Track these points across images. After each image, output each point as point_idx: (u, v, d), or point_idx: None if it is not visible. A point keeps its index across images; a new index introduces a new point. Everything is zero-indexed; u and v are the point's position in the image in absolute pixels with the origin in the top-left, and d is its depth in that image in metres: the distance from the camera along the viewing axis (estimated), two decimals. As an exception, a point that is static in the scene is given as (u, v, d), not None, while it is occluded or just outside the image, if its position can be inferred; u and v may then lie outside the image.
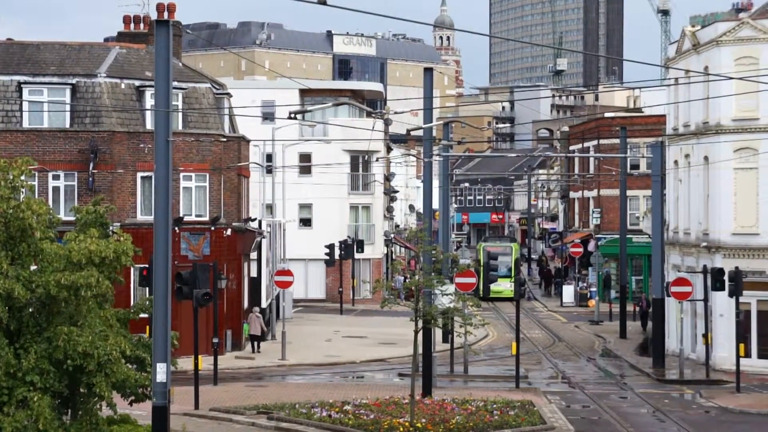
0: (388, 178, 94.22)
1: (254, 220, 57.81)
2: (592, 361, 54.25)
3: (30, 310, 23.88)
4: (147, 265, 34.48)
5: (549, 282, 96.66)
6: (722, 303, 47.02)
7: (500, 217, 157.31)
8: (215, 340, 42.45)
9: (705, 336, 47.45)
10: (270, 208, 65.00)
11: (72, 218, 26.77)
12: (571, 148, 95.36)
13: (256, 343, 53.22)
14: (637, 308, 63.48)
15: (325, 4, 20.41)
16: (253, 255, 57.00)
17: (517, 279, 46.89)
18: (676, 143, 54.80)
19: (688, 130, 52.76)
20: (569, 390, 44.65)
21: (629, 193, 69.44)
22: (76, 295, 23.36)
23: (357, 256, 76.27)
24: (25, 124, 49.63)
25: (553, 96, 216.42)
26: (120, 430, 26.03)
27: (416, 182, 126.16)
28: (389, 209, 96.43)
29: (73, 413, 24.71)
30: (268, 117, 70.28)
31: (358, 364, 51.11)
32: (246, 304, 54.75)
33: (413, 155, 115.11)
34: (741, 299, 44.20)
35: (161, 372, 24.77)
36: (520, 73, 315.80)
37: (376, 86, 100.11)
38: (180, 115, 49.96)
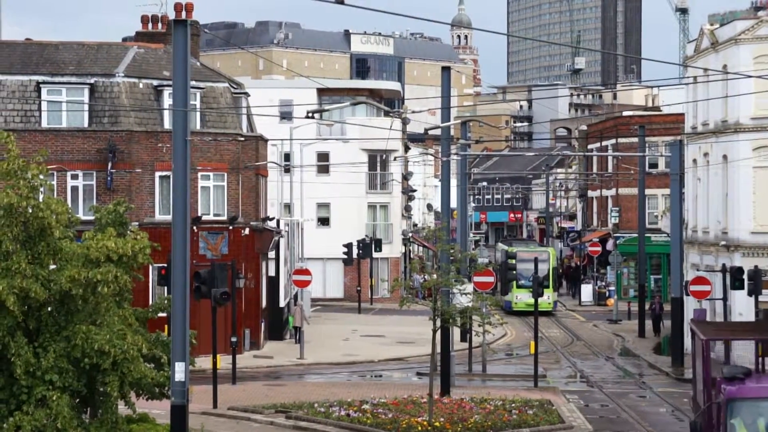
0: (405, 177, 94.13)
1: (272, 219, 57.87)
2: (610, 360, 54.14)
3: (49, 309, 23.93)
4: (165, 265, 34.55)
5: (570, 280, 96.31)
6: (741, 302, 46.85)
7: (518, 216, 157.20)
8: (233, 339, 42.54)
9: (724, 335, 47.25)
10: (288, 207, 65.05)
11: (90, 218, 26.83)
12: (590, 146, 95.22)
13: (297, 335, 54.11)
14: (650, 311, 62.79)
15: (342, 3, 20.38)
16: (271, 254, 57.06)
17: (535, 278, 46.60)
18: (695, 142, 54.65)
19: (707, 129, 52.61)
20: (588, 389, 44.58)
21: (648, 191, 69.25)
22: (93, 292, 23.40)
23: (375, 255, 76.25)
24: (44, 124, 49.77)
25: (571, 95, 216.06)
26: (139, 429, 26.09)
27: (434, 181, 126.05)
28: (407, 208, 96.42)
29: (92, 412, 24.77)
30: (285, 116, 70.33)
31: (376, 363, 51.11)
32: (264, 303, 54.83)
33: (431, 154, 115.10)
34: (760, 298, 44.04)
35: (180, 371, 24.78)
36: (538, 72, 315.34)
37: (394, 85, 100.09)
38: (198, 114, 50.03)
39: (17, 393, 23.26)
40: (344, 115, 75.97)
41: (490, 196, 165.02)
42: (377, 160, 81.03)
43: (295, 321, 54.23)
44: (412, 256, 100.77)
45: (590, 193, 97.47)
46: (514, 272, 70.36)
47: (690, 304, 52.61)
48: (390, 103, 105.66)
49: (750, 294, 43.97)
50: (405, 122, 75.58)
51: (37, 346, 23.55)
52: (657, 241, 74.36)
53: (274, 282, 57.31)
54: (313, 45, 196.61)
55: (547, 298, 71.41)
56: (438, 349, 37.02)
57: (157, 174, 49.49)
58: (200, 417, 33.35)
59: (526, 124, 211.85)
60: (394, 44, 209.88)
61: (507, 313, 69.40)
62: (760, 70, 45.97)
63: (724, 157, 50.26)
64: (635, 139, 70.27)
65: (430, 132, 66.59)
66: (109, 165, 48.80)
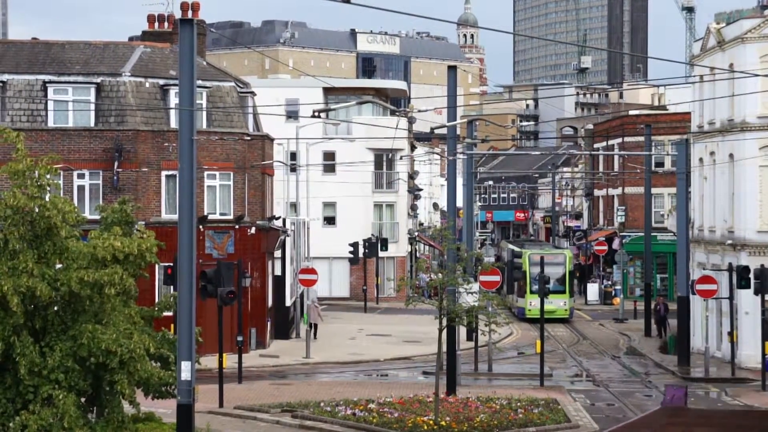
0: (412, 176, 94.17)
1: (278, 218, 57.90)
2: (616, 359, 54.09)
3: (55, 308, 23.98)
4: (172, 264, 34.57)
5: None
6: (747, 301, 46.85)
7: (525, 215, 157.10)
8: (239, 339, 42.59)
9: (730, 334, 47.28)
10: (294, 206, 65.08)
11: (97, 217, 26.88)
12: (596, 145, 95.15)
13: (314, 331, 54.78)
14: (654, 312, 62.03)
15: (349, 2, 20.37)
16: (278, 253, 57.09)
17: (541, 277, 46.52)
18: (701, 141, 54.61)
19: (713, 128, 52.57)
20: (594, 388, 44.55)
21: (654, 190, 69.19)
22: (100, 292, 23.44)
23: (381, 254, 76.26)
24: (51, 123, 49.83)
25: (578, 94, 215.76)
26: (145, 428, 26.11)
27: (440, 180, 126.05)
28: (413, 207, 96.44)
29: (98, 411, 24.81)
30: (292, 115, 70.34)
31: (382, 363, 51.12)
32: (270, 303, 54.85)
33: (437, 153, 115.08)
34: (767, 297, 43.99)
35: (186, 370, 24.81)
36: (544, 71, 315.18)
37: (400, 84, 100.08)
38: (204, 113, 50.06)
39: (23, 392, 23.31)
40: (350, 114, 76.04)
41: (496, 195, 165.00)
42: (383, 159, 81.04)
43: (310, 318, 54.38)
44: (418, 255, 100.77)
45: (596, 192, 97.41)
46: (520, 271, 69.70)
47: (696, 303, 52.57)
48: (396, 102, 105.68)
49: (756, 293, 43.91)
50: (411, 121, 75.26)
51: (43, 346, 23.59)
52: (663, 240, 74.32)
53: (280, 281, 57.34)
54: (320, 44, 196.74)
55: (564, 304, 69.08)
56: (444, 348, 36.99)
57: (164, 173, 49.53)
58: (206, 416, 33.37)
59: (532, 123, 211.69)
60: (401, 43, 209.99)
61: (520, 320, 68.35)
62: (767, 68, 45.94)
63: (731, 155, 50.22)
64: (641, 138, 70.23)
65: (437, 131, 66.48)
66: (116, 164, 48.86)
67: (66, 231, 24.01)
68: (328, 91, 77.48)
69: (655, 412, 21.31)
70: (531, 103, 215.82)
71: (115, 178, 48.89)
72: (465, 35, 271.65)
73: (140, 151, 49.44)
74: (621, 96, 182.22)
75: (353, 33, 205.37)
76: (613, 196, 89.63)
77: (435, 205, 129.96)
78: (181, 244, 25.20)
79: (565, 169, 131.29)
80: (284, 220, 59.17)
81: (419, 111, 40.39)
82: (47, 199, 24.10)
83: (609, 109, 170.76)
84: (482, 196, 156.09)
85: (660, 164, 79.33)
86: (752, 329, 47.15)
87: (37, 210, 23.80)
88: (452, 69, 43.29)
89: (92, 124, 50.13)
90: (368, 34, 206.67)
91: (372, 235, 77.57)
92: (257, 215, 51.78)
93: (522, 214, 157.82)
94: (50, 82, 49.99)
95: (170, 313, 27.23)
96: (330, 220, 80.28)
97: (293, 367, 49.06)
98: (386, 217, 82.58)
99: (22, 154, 24.22)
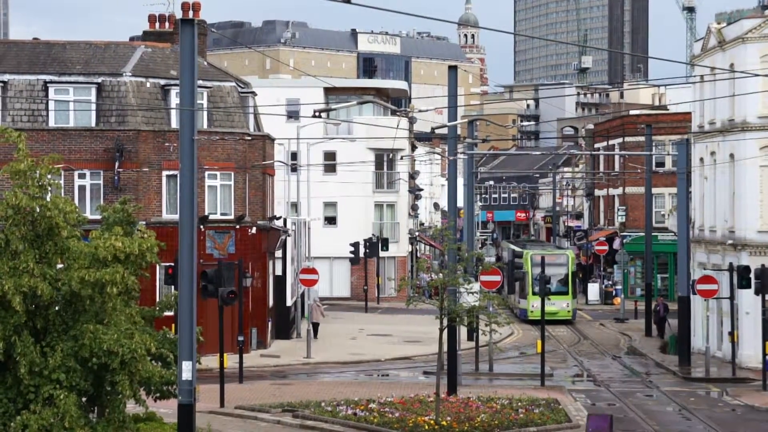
0: (412, 176, 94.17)
1: (279, 218, 57.92)
2: (617, 359, 54.11)
3: (56, 308, 23.99)
4: (173, 264, 34.57)
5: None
6: (748, 301, 46.84)
7: (525, 215, 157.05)
8: (240, 338, 42.61)
9: (731, 334, 47.28)
10: (295, 206, 65.08)
11: (98, 217, 26.90)
12: (596, 145, 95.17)
13: (314, 331, 54.88)
14: (654, 312, 61.82)
15: (349, 2, 20.38)
16: (278, 253, 57.10)
17: (542, 277, 46.50)
18: (702, 141, 54.62)
19: (714, 128, 52.59)
20: (594, 388, 44.56)
21: (654, 190, 69.18)
22: (101, 292, 23.46)
23: (382, 254, 76.27)
24: (51, 123, 49.84)
25: (578, 94, 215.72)
26: (146, 428, 26.13)
27: (441, 180, 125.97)
28: (414, 207, 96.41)
29: (99, 411, 24.82)
30: (292, 115, 70.36)
31: (383, 362, 51.13)
32: (271, 303, 54.87)
33: (438, 153, 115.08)
34: (767, 297, 44.00)
35: (187, 370, 24.82)
36: (544, 71, 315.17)
37: (401, 84, 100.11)
38: (205, 113, 50.07)
39: (24, 392, 23.32)
40: (351, 114, 76.04)
41: (497, 195, 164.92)
42: (384, 159, 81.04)
43: (312, 317, 54.41)
44: (419, 255, 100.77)
45: (597, 192, 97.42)
46: (522, 271, 69.50)
47: (697, 303, 52.55)
48: (397, 102, 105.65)
49: (757, 293, 43.92)
50: (412, 121, 75.64)
51: (44, 346, 23.61)
52: (664, 239, 74.32)
53: (281, 281, 57.36)
54: (320, 44, 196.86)
55: (566, 305, 68.20)
56: (445, 348, 37.00)
57: (165, 173, 49.53)
58: (207, 416, 33.38)
59: (532, 123, 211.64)
60: (401, 43, 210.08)
61: (522, 321, 68.05)
62: (767, 68, 45.95)
63: (731, 155, 50.24)
64: (642, 138, 70.26)
65: (437, 131, 66.70)
66: (117, 164, 48.87)
67: (67, 231, 24.03)
68: (328, 91, 77.47)
69: None
70: (531, 103, 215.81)
71: (116, 178, 48.89)
72: (466, 35, 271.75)
73: (141, 151, 49.45)
74: (621, 96, 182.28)
75: (354, 33, 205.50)
76: (613, 196, 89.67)
77: (436, 205, 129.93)
78: (182, 244, 25.20)
79: (565, 169, 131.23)
80: (285, 220, 59.18)
81: (420, 111, 40.42)
82: (48, 199, 24.11)
83: (609, 109, 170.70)
84: (483, 196, 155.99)
85: (660, 164, 79.39)
86: (753, 329, 47.15)
87: (38, 210, 23.82)
88: (453, 69, 43.30)
89: (93, 124, 50.14)
90: (369, 34, 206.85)
91: (373, 235, 77.58)
92: (258, 215, 51.80)
93: (523, 214, 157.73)
94: (51, 82, 50.01)
95: (171, 313, 27.23)
96: (331, 220, 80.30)
97: (294, 367, 49.08)
98: (387, 217, 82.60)
99: (23, 154, 24.26)
